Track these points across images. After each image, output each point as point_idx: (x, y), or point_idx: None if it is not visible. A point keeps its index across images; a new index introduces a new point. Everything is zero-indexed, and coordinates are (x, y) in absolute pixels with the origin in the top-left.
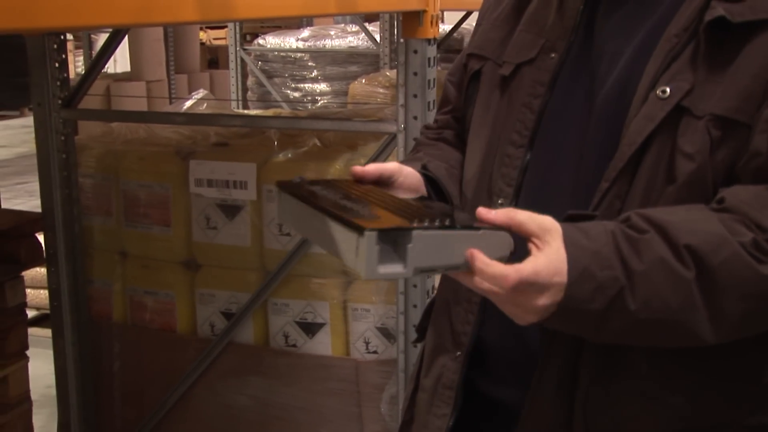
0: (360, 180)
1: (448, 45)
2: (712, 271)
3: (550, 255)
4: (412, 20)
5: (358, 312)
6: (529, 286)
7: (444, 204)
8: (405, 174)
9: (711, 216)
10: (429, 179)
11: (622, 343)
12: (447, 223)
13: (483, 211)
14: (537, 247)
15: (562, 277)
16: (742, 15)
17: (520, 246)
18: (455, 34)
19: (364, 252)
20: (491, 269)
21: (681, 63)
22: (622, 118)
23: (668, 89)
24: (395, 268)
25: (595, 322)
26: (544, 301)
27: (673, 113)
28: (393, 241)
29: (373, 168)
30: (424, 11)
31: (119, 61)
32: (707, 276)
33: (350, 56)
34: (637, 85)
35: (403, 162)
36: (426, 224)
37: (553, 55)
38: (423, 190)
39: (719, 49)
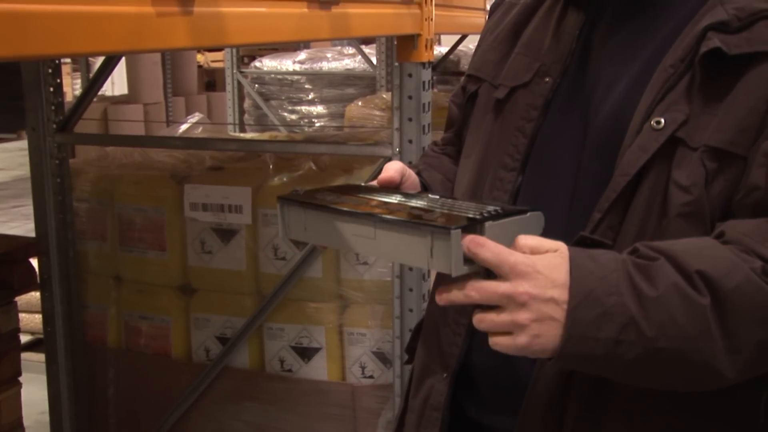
0: (383, 185)
1: (444, 67)
2: (726, 297)
3: (546, 261)
4: (406, 44)
5: (354, 336)
6: (506, 264)
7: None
8: (408, 174)
9: (717, 244)
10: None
11: (635, 381)
12: (500, 211)
13: (471, 241)
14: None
15: (553, 273)
16: (738, 47)
17: None
18: (452, 57)
19: (450, 251)
20: (470, 240)
21: (676, 94)
22: (617, 148)
23: (663, 120)
24: (472, 265)
25: (606, 351)
26: (526, 287)
27: (668, 144)
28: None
29: (395, 171)
30: (419, 35)
31: (117, 84)
32: (722, 302)
33: (347, 78)
34: (632, 115)
35: (411, 165)
36: (492, 214)
37: (547, 79)
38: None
39: (715, 81)
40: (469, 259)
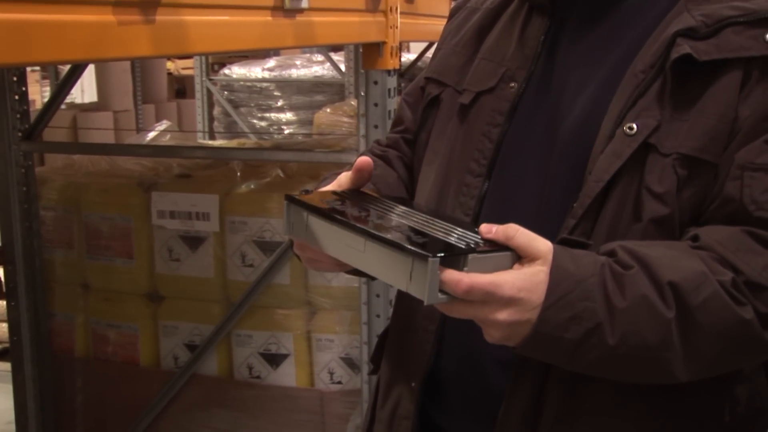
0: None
1: (412, 74)
2: (693, 311)
3: (520, 275)
4: (372, 52)
5: (322, 342)
6: (486, 301)
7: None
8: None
9: (692, 252)
10: None
11: (591, 373)
12: (488, 246)
13: (485, 229)
14: (518, 267)
15: (531, 296)
16: (708, 53)
17: None
18: (419, 63)
19: (425, 278)
20: (447, 275)
21: (647, 99)
22: (586, 153)
23: (635, 126)
24: (449, 296)
25: (567, 351)
26: (504, 315)
27: (640, 150)
28: (449, 265)
29: (368, 174)
30: (384, 43)
31: (87, 91)
32: (688, 315)
33: (316, 86)
34: (601, 120)
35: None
36: (480, 247)
37: (512, 84)
38: None
39: (685, 87)
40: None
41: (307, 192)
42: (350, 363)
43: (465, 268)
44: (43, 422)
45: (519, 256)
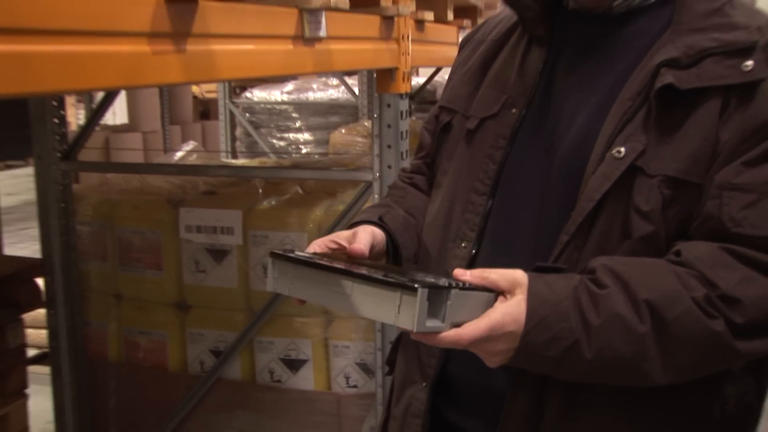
0: (352, 253)
1: (422, 96)
2: (667, 325)
3: (508, 307)
4: (385, 77)
5: (339, 349)
6: (485, 341)
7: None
8: (377, 240)
9: (669, 270)
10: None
11: (580, 381)
12: (467, 285)
13: (459, 272)
14: (502, 300)
15: (519, 325)
16: (689, 82)
17: None
18: (428, 87)
19: (414, 308)
20: (447, 338)
21: (634, 125)
22: (580, 174)
23: (623, 149)
24: (436, 323)
25: (552, 366)
26: (501, 346)
27: (628, 172)
28: (434, 299)
29: (365, 246)
30: (396, 68)
31: (118, 113)
32: (663, 329)
33: (331, 108)
34: (593, 144)
35: (371, 208)
36: (461, 284)
37: (513, 110)
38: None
39: (669, 113)
40: (434, 317)
41: (288, 250)
42: (365, 368)
43: (448, 302)
44: (80, 422)
45: (496, 296)
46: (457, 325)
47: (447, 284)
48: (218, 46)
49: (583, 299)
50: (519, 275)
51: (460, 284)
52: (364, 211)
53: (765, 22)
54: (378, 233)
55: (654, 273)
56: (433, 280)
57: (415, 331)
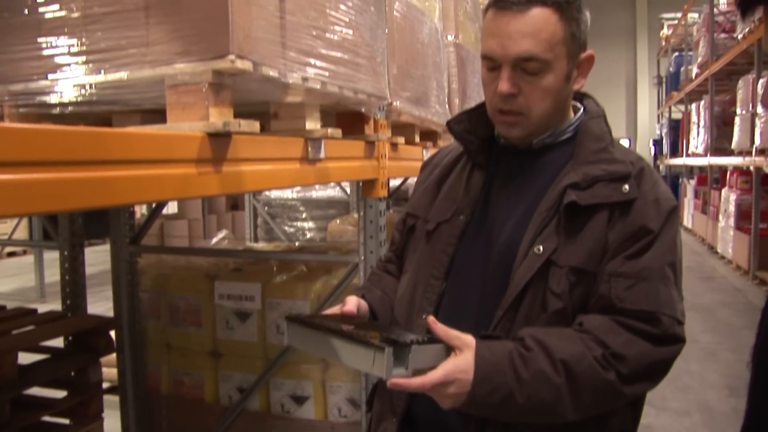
0: (345, 313)
1: (398, 195)
2: (576, 377)
3: (458, 361)
4: (368, 185)
5: (334, 387)
6: (440, 386)
7: (395, 326)
8: (361, 303)
9: (575, 337)
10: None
11: (513, 420)
12: (425, 339)
13: (431, 320)
14: (455, 354)
15: (468, 375)
16: (586, 200)
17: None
18: (403, 187)
19: (383, 361)
20: (413, 382)
21: (549, 230)
22: (511, 265)
23: (542, 248)
24: (401, 370)
25: (492, 410)
26: (452, 391)
27: (545, 264)
28: (399, 353)
29: (353, 306)
30: (377, 179)
31: (170, 205)
32: (573, 380)
33: (329, 203)
34: (519, 244)
35: (357, 288)
36: (419, 340)
37: (461, 217)
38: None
39: (573, 221)
40: (400, 366)
41: (299, 315)
42: (353, 403)
43: (410, 355)
44: None
45: (450, 349)
46: (419, 371)
47: (409, 341)
48: (246, 167)
49: (516, 359)
50: (470, 339)
51: (419, 339)
52: (353, 290)
53: (635, 158)
54: (362, 303)
55: (565, 339)
56: (402, 336)
57: (384, 378)
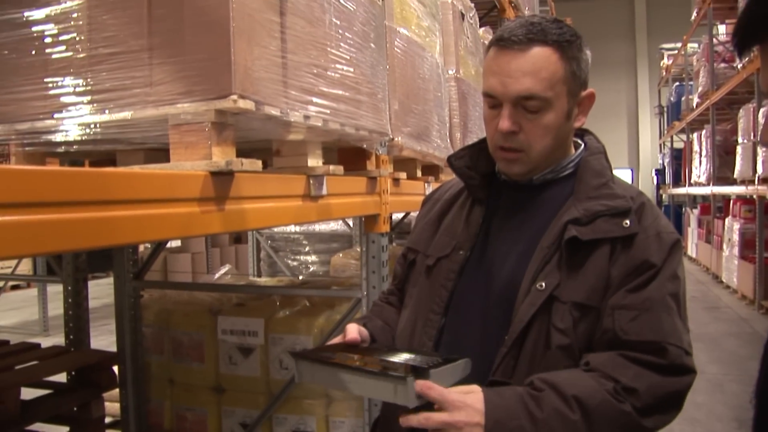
0: (350, 343)
1: (400, 228)
2: (592, 412)
3: (462, 389)
4: (371, 220)
5: (336, 423)
6: (454, 405)
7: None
8: (363, 331)
9: (584, 374)
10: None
11: None
12: (441, 361)
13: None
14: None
15: (477, 404)
16: (587, 235)
17: None
18: (405, 220)
19: (406, 391)
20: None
21: (551, 266)
22: (513, 301)
23: (544, 284)
24: (422, 400)
25: None
26: (462, 417)
27: (548, 300)
28: (420, 378)
29: (356, 334)
30: (379, 214)
31: None
32: (588, 414)
33: (332, 237)
34: (521, 279)
35: (361, 317)
36: (435, 364)
37: (461, 252)
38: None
39: (575, 257)
40: (419, 396)
41: (305, 350)
42: None
43: (430, 379)
44: None
45: (468, 364)
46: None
47: (426, 366)
48: (248, 205)
49: (528, 402)
50: (474, 388)
51: (435, 362)
52: (354, 319)
53: (635, 193)
54: (363, 330)
55: (574, 377)
56: (418, 360)
57: (410, 407)
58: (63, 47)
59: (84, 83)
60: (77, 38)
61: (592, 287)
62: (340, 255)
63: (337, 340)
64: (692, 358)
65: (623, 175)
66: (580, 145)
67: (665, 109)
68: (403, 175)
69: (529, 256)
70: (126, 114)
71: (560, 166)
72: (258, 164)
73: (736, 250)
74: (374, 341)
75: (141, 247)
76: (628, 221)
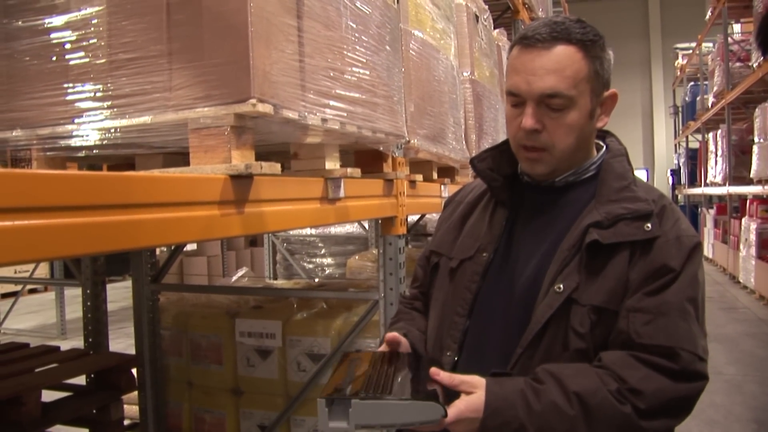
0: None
1: (416, 230)
2: (591, 409)
3: (470, 400)
4: (387, 222)
5: None
6: (455, 423)
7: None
8: (402, 341)
9: (591, 371)
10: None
11: None
12: (384, 394)
13: (434, 372)
14: (466, 393)
15: (478, 413)
16: (608, 238)
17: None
18: (421, 222)
19: (318, 413)
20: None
21: (571, 268)
22: (533, 303)
23: (562, 286)
24: (341, 424)
25: None
26: (462, 428)
27: (566, 303)
28: (340, 405)
29: (395, 344)
30: (396, 216)
31: None
32: (587, 412)
33: (348, 239)
34: (542, 281)
35: (393, 328)
36: (362, 395)
37: (485, 254)
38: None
39: (595, 260)
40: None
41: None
42: None
43: (350, 409)
44: None
45: (444, 406)
46: (370, 427)
47: (350, 395)
48: (267, 208)
49: (528, 393)
50: (476, 379)
51: (375, 393)
52: (392, 327)
53: (657, 196)
54: (404, 340)
55: (580, 373)
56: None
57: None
58: (83, 53)
59: (104, 88)
60: (97, 44)
61: (611, 291)
62: (356, 257)
63: (382, 349)
64: (706, 364)
65: (638, 175)
66: (602, 147)
67: (680, 109)
68: (419, 177)
69: (551, 258)
70: (146, 118)
71: (582, 168)
72: (277, 167)
73: (753, 250)
74: (416, 352)
75: (158, 250)
76: (649, 224)
